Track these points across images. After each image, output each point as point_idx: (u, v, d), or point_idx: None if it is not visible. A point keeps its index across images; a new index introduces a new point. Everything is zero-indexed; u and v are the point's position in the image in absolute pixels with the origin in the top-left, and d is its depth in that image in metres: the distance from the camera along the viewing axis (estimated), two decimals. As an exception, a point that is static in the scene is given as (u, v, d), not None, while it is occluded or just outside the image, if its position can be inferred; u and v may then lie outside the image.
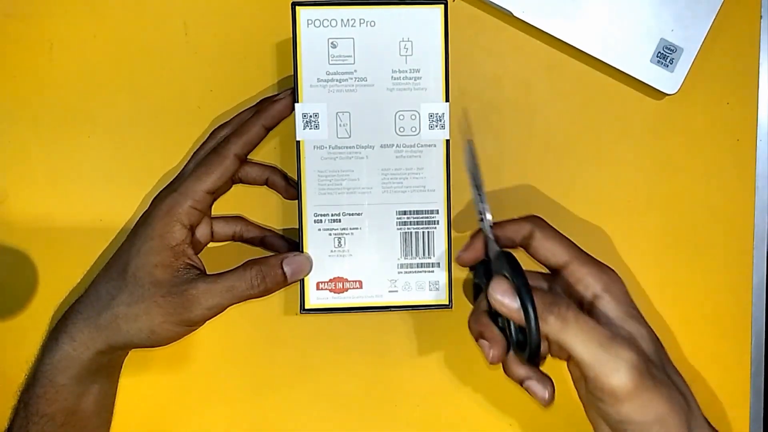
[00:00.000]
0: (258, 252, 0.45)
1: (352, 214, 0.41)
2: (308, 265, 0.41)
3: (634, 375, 0.33)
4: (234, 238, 0.44)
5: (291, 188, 0.44)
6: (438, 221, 0.42)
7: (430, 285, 0.42)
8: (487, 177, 0.45)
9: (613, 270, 0.38)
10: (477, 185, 0.40)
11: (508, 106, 0.46)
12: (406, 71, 0.41)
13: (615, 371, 0.33)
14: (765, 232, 0.46)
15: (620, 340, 0.34)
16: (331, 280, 0.42)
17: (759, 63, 0.46)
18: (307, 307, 0.42)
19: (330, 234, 0.41)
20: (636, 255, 0.46)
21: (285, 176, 0.44)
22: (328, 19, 0.41)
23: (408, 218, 0.41)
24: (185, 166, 0.42)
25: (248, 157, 0.42)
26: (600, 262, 0.38)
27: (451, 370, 0.47)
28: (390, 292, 0.42)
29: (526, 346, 0.35)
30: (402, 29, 0.41)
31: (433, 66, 0.41)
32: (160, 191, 0.41)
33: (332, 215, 0.41)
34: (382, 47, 0.41)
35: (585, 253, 0.38)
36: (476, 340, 0.38)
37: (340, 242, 0.41)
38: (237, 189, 0.44)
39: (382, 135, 0.41)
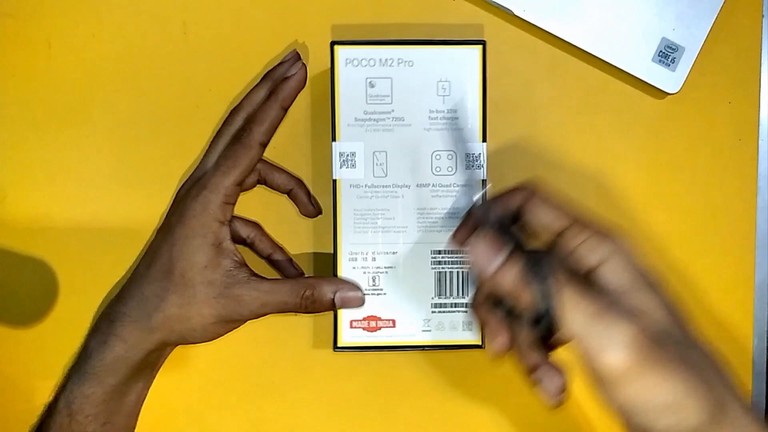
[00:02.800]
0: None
1: (387, 253, 0.41)
2: (359, 304, 0.41)
3: (633, 351, 0.28)
4: (246, 242, 0.44)
5: (310, 206, 0.44)
6: (472, 261, 0.42)
7: (463, 325, 0.41)
8: (487, 177, 0.44)
9: (617, 234, 0.32)
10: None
11: (508, 105, 0.45)
12: (444, 111, 0.41)
13: (608, 347, 0.29)
14: (767, 232, 0.46)
15: (616, 311, 0.29)
16: (364, 319, 0.41)
17: (761, 62, 0.45)
18: (339, 345, 0.41)
19: (364, 272, 0.41)
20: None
21: (308, 193, 0.44)
22: (366, 58, 0.41)
23: (443, 258, 0.41)
24: (206, 156, 0.41)
25: (279, 164, 0.43)
26: (603, 226, 0.33)
27: (452, 370, 0.46)
28: (423, 331, 0.42)
29: (539, 320, 0.31)
30: (440, 69, 0.41)
31: (470, 106, 0.41)
32: (188, 188, 0.40)
33: (367, 254, 0.41)
34: (420, 87, 0.41)
35: (584, 217, 0.33)
36: (480, 327, 0.37)
37: (374, 281, 0.41)
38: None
39: (419, 174, 0.41)
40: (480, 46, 0.41)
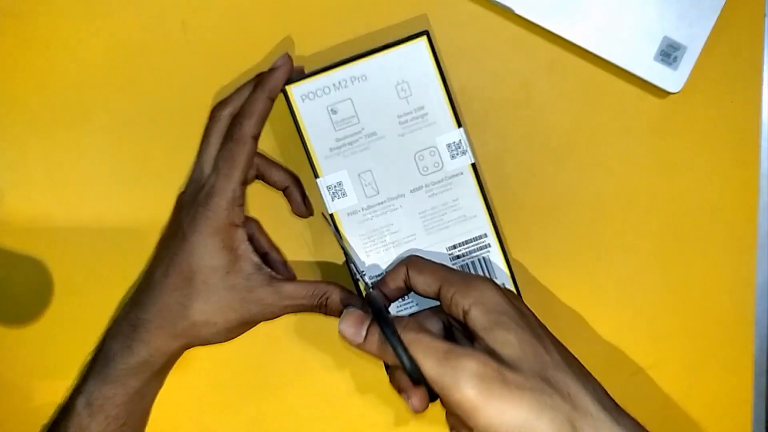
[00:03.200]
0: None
1: None
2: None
3: (476, 384, 0.32)
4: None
5: (303, 207, 0.44)
6: (489, 244, 0.41)
7: None
8: (487, 176, 0.44)
9: (487, 282, 0.36)
10: (346, 253, 0.41)
11: (508, 104, 0.45)
12: (411, 112, 0.41)
13: (456, 384, 0.32)
14: (768, 231, 0.45)
15: (459, 351, 0.33)
16: (405, 334, 0.41)
17: (762, 61, 0.45)
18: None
19: (390, 291, 0.41)
20: (638, 255, 0.45)
21: (303, 193, 0.44)
22: (320, 88, 0.40)
23: (459, 251, 0.41)
24: (200, 156, 0.40)
25: (277, 161, 0.43)
26: (471, 277, 0.37)
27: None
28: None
29: (412, 376, 0.34)
30: (394, 73, 0.41)
31: (435, 98, 0.41)
32: (193, 193, 0.40)
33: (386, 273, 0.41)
34: (381, 97, 0.41)
35: (456, 274, 0.37)
36: (399, 394, 0.38)
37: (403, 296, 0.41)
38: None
39: (409, 181, 0.41)
40: (423, 37, 0.40)
